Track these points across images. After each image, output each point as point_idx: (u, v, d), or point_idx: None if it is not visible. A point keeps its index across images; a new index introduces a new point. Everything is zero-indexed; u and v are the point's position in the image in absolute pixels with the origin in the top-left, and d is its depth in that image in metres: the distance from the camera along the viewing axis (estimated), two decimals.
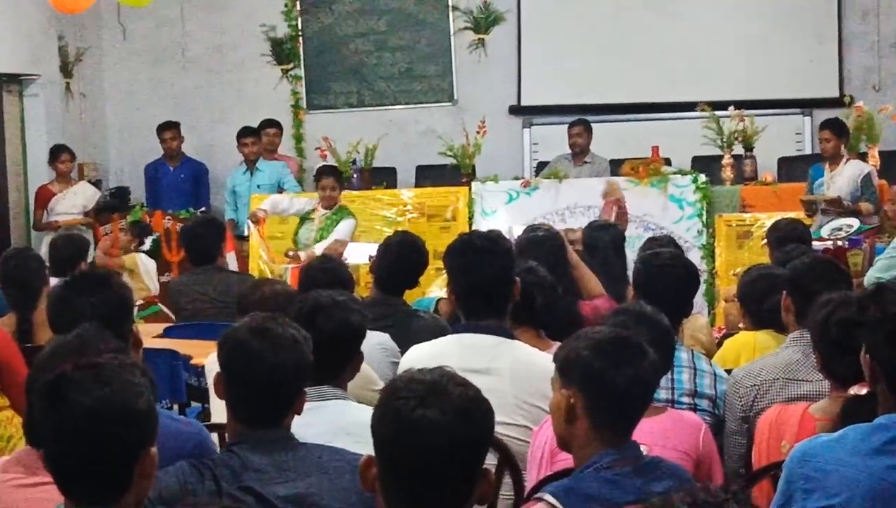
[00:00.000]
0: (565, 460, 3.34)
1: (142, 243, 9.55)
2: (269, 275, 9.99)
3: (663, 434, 3.46)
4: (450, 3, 12.92)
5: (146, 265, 9.07)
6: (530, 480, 3.70)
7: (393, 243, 5.94)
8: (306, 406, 3.49)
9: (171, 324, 7.27)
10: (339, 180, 9.82)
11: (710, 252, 10.03)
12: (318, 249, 8.90)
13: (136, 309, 8.46)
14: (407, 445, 2.40)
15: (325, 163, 10.58)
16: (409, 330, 5.42)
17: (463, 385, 2.48)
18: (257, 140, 11.62)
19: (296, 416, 3.37)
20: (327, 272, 5.24)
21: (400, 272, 5.80)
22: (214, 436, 3.82)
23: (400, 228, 9.34)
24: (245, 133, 11.59)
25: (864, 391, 3.21)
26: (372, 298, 5.74)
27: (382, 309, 5.54)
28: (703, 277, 9.78)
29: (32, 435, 2.89)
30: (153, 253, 9.52)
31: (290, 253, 9.38)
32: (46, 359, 3.12)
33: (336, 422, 3.56)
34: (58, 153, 11.43)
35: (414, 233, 9.96)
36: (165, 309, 8.01)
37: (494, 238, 4.43)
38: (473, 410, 2.45)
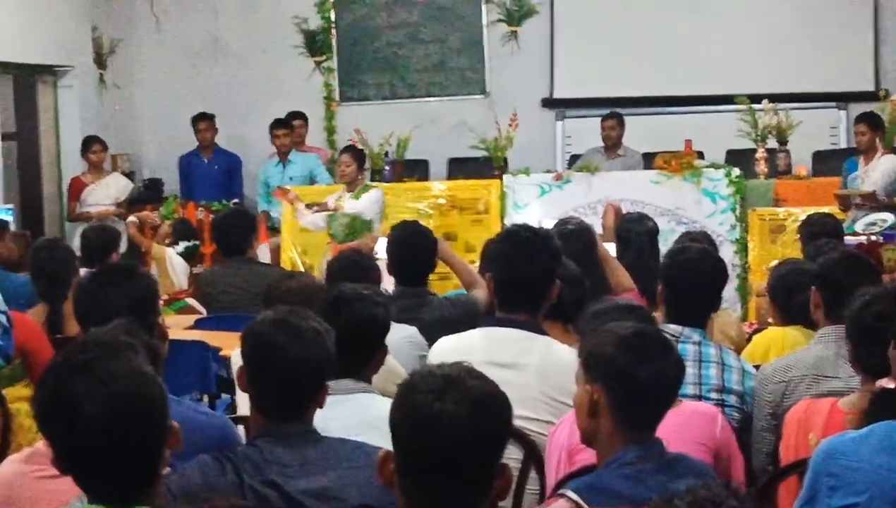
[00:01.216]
0: (584, 459, 3.33)
1: (175, 243, 9.55)
2: (300, 268, 10.06)
3: (679, 425, 3.44)
4: None
5: (173, 261, 9.09)
6: (548, 478, 3.69)
7: (397, 237, 5.94)
8: (330, 399, 3.48)
9: (202, 317, 7.28)
10: (358, 159, 9.84)
11: (743, 246, 9.97)
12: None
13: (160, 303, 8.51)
14: (424, 439, 2.39)
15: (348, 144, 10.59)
16: (438, 317, 5.48)
17: (480, 378, 2.47)
18: (290, 132, 11.63)
19: (319, 409, 3.37)
20: (354, 265, 5.24)
21: (413, 261, 5.78)
22: (241, 429, 3.82)
23: (424, 220, 9.40)
24: (278, 125, 11.61)
25: (892, 385, 3.18)
26: (397, 291, 5.73)
27: (408, 300, 5.55)
28: (737, 271, 9.77)
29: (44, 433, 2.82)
30: (186, 255, 9.52)
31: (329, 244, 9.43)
32: None
33: (360, 416, 3.55)
34: (89, 144, 11.45)
35: (443, 222, 10.25)
36: (193, 304, 8.01)
37: (544, 235, 4.44)
38: (491, 404, 2.44)
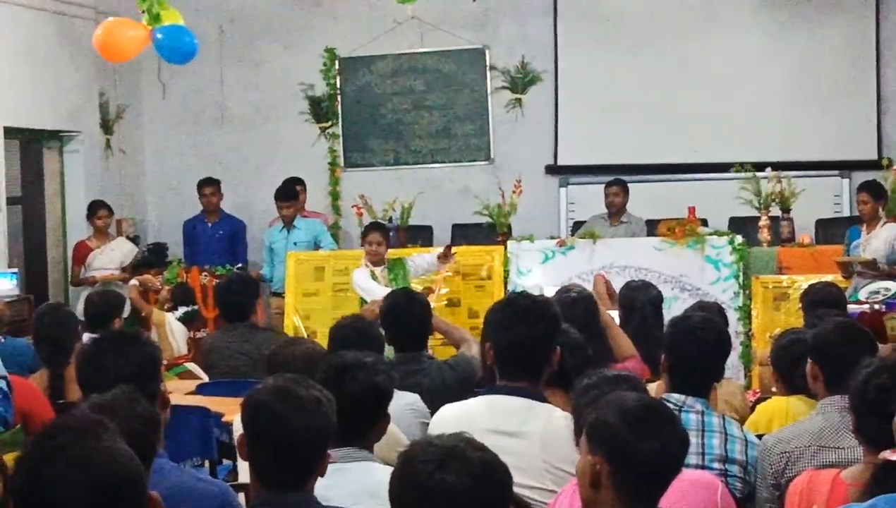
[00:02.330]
0: None
1: (175, 308, 9.55)
2: (303, 333, 10.04)
3: (680, 495, 3.41)
4: (488, 63, 13.00)
5: (173, 325, 9.09)
6: None
7: (389, 305, 5.98)
8: (332, 467, 3.47)
9: (204, 382, 7.27)
10: (386, 236, 9.86)
11: (746, 314, 9.96)
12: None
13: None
14: None
15: (374, 221, 10.58)
16: (439, 382, 5.53)
17: (481, 450, 2.46)
18: (294, 202, 11.60)
19: (321, 478, 3.36)
20: (357, 332, 5.23)
21: (406, 326, 5.80)
22: (242, 496, 3.81)
23: (429, 286, 9.42)
24: (281, 197, 11.48)
25: (895, 457, 3.16)
26: (396, 358, 5.74)
27: (406, 366, 5.59)
28: (740, 339, 9.75)
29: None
30: (185, 320, 9.51)
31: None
32: None
33: (362, 484, 3.55)
34: (95, 209, 11.48)
35: (450, 290, 10.25)
36: (193, 369, 8.01)
37: (542, 302, 4.43)
38: (492, 475, 2.42)
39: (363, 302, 9.42)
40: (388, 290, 9.29)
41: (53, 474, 2.22)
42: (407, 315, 5.83)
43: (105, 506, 2.24)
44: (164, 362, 8.09)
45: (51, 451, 2.26)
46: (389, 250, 10.00)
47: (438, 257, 9.75)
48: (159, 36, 9.03)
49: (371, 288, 9.41)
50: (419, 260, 9.80)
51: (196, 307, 9.90)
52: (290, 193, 11.56)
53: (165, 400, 3.82)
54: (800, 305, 7.69)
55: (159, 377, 3.91)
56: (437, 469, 2.38)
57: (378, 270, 9.57)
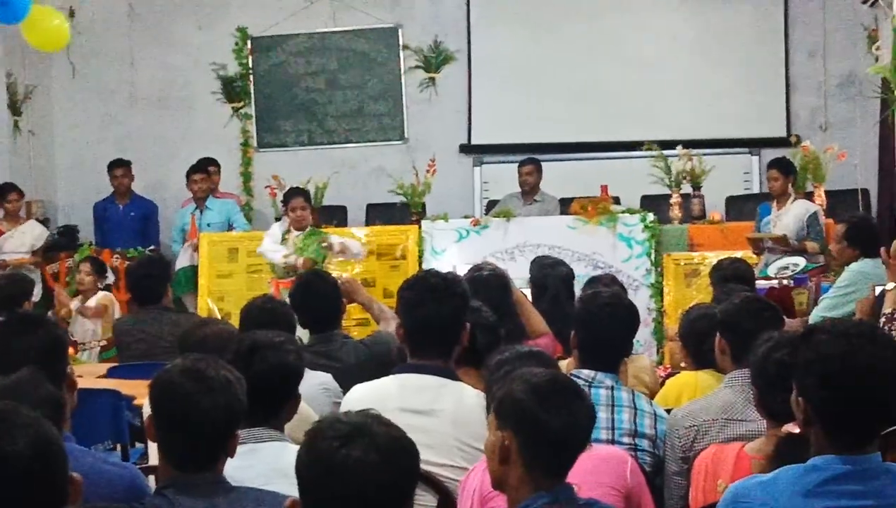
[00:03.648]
0: (497, 506, 3.32)
1: (105, 278, 9.44)
2: (217, 315, 9.98)
3: (590, 470, 3.44)
4: (400, 43, 12.98)
5: (115, 305, 9.02)
6: None
7: (297, 286, 5.99)
8: (243, 447, 3.46)
9: (114, 364, 7.20)
10: (309, 200, 9.78)
11: (658, 290, 10.06)
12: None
13: (98, 350, 8.41)
14: (331, 486, 2.37)
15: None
16: (354, 361, 5.55)
17: (388, 426, 2.45)
18: (206, 176, 11.56)
19: (230, 459, 3.34)
20: (268, 312, 5.21)
21: (316, 306, 5.77)
22: (152, 479, 3.78)
23: (344, 267, 9.40)
24: (193, 170, 11.54)
25: (797, 430, 3.21)
26: (311, 339, 5.73)
27: (321, 346, 5.59)
28: (652, 316, 9.85)
29: None
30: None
31: (270, 281, 9.40)
32: None
33: (272, 464, 3.53)
34: (5, 192, 11.32)
35: (364, 270, 10.24)
36: None
37: (451, 279, 4.43)
38: (398, 450, 2.42)
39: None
40: (284, 253, 9.33)
41: None
42: (315, 295, 5.79)
43: (42, 464, 2.25)
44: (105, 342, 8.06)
45: None
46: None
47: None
48: None
49: (266, 244, 9.44)
50: (352, 243, 9.70)
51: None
52: (200, 165, 11.49)
53: (72, 382, 3.77)
54: (710, 281, 7.78)
55: (66, 359, 3.87)
56: (343, 445, 2.37)
57: (294, 235, 9.49)
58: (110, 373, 6.89)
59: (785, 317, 5.04)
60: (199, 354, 3.35)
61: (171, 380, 3.17)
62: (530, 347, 4.16)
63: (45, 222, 12.12)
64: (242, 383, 3.24)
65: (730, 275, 6.89)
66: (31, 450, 2.31)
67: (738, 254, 8.54)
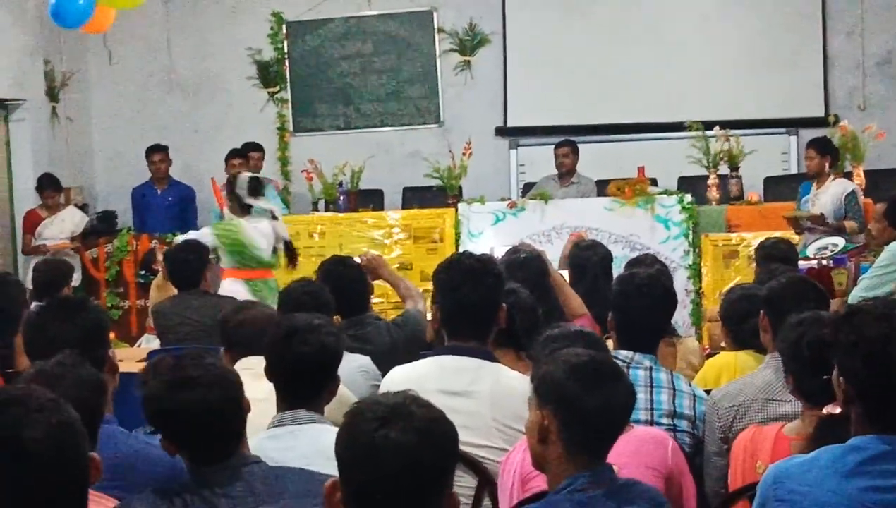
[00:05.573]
0: (537, 486, 3.33)
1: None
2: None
3: (631, 451, 3.45)
4: (435, 26, 12.96)
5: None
6: (501, 505, 3.69)
7: (321, 274, 5.95)
8: (284, 430, 3.51)
9: (154, 349, 7.24)
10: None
11: (696, 272, 10.03)
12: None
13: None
14: (370, 467, 2.36)
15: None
16: (388, 342, 5.58)
17: (426, 406, 2.44)
18: (245, 161, 11.55)
19: (274, 440, 3.39)
20: (308, 295, 5.22)
21: (342, 290, 5.71)
22: None
23: (380, 250, 9.35)
24: (234, 154, 11.51)
25: (837, 410, 3.20)
26: (343, 323, 5.73)
27: (354, 329, 5.60)
28: (690, 297, 9.82)
29: None
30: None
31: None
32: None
33: (313, 446, 3.55)
34: (43, 188, 11.40)
35: (402, 253, 10.25)
36: None
37: (486, 260, 4.41)
38: (437, 431, 2.41)
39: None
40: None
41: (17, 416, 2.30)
42: (339, 282, 5.74)
43: (58, 448, 2.28)
44: None
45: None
46: (339, 215, 9.97)
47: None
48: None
49: (262, 244, 9.26)
50: (280, 227, 9.12)
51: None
52: (240, 151, 11.48)
53: (114, 365, 3.79)
54: (750, 262, 7.75)
55: (107, 343, 3.89)
56: (381, 426, 2.36)
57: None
58: (150, 357, 6.92)
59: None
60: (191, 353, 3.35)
61: (159, 395, 3.19)
62: (580, 327, 4.14)
63: (83, 208, 12.18)
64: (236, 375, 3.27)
65: (773, 255, 6.86)
66: (46, 434, 2.31)
67: (777, 234, 8.50)
